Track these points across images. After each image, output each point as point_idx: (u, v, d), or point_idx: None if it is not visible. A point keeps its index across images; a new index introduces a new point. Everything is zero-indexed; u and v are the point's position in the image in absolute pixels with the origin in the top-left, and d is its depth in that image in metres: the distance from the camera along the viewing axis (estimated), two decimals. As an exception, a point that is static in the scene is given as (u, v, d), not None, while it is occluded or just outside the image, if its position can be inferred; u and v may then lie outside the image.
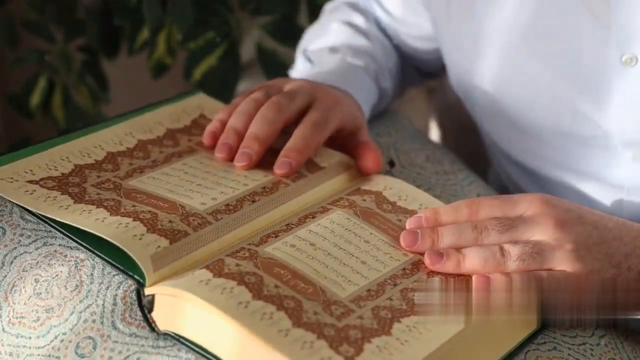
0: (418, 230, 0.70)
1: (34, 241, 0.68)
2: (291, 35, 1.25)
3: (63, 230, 0.67)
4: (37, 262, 0.67)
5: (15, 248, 0.68)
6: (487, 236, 0.69)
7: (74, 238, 0.67)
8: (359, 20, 1.00)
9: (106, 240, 0.65)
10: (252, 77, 1.42)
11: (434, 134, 1.22)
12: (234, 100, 0.81)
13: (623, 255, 0.69)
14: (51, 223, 0.68)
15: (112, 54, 1.39)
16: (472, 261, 0.68)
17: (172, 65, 1.32)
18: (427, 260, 0.68)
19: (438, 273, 0.68)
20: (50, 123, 1.39)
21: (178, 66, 1.34)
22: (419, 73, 1.06)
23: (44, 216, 0.68)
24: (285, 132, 0.78)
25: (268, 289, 0.61)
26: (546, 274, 0.67)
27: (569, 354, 0.66)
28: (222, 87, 1.29)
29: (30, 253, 0.67)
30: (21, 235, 0.68)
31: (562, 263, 0.68)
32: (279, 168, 0.75)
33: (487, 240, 0.69)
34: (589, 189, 0.87)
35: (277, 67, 1.28)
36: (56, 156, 0.73)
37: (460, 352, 0.62)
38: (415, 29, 0.98)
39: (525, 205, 0.70)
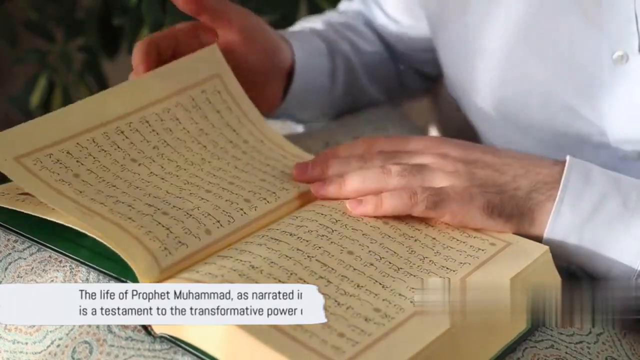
0: (309, 163, 0.74)
1: (28, 247, 0.68)
2: (291, 35, 1.25)
3: (55, 248, 0.67)
4: (32, 267, 0.67)
5: (10, 254, 0.68)
6: (372, 165, 0.72)
7: (66, 253, 0.67)
8: (336, 16, 1.03)
9: (99, 251, 0.65)
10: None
11: (434, 134, 1.22)
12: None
13: (511, 177, 0.71)
14: (43, 243, 0.68)
15: (112, 54, 1.39)
16: (352, 182, 0.71)
17: (172, 65, 1.32)
18: (312, 188, 0.72)
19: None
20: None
21: (178, 66, 1.34)
22: (421, 77, 1.06)
23: (36, 240, 0.68)
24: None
25: None
26: (421, 188, 0.69)
27: (566, 352, 0.66)
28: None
29: (25, 259, 0.68)
30: (15, 241, 0.69)
31: (442, 182, 0.70)
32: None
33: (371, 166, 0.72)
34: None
35: (277, 67, 1.28)
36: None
37: (457, 342, 0.61)
38: (416, 31, 0.99)
39: (419, 142, 0.74)
